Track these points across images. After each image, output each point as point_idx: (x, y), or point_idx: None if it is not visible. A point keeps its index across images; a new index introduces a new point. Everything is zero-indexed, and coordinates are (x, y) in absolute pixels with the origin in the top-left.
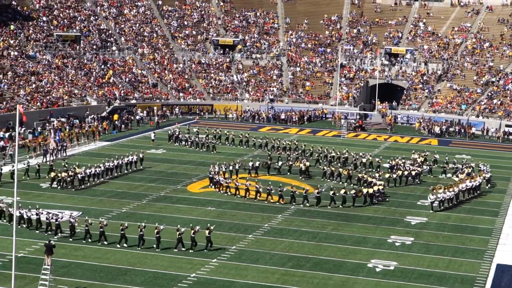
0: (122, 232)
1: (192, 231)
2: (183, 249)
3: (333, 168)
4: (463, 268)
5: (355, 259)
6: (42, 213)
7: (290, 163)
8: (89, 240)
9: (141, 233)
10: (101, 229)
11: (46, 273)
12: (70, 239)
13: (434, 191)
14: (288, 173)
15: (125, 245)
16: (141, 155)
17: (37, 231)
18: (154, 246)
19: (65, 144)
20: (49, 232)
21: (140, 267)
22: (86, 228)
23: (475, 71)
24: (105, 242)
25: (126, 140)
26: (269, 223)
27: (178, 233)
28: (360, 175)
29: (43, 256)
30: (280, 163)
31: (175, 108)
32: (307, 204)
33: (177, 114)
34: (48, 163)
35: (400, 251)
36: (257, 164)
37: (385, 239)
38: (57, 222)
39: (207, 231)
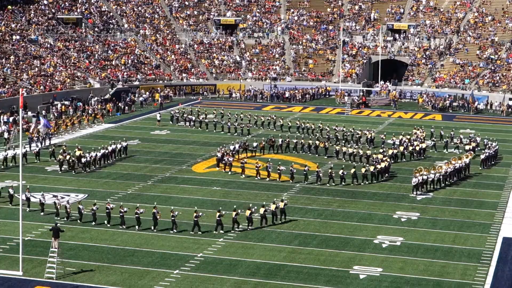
0: (195, 219)
1: (218, 213)
2: (199, 232)
3: (337, 147)
4: (469, 242)
5: (361, 236)
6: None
7: (264, 142)
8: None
9: (195, 219)
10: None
11: (53, 256)
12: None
13: (416, 173)
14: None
15: (199, 232)
16: (124, 144)
17: (42, 214)
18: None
19: (50, 132)
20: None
21: (147, 248)
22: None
23: (477, 45)
24: (137, 227)
25: (130, 121)
26: None
27: (195, 215)
28: (361, 151)
29: (50, 239)
30: (255, 144)
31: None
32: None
33: (162, 102)
34: (32, 151)
35: (406, 227)
36: (236, 146)
37: (391, 215)
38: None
39: (248, 212)
